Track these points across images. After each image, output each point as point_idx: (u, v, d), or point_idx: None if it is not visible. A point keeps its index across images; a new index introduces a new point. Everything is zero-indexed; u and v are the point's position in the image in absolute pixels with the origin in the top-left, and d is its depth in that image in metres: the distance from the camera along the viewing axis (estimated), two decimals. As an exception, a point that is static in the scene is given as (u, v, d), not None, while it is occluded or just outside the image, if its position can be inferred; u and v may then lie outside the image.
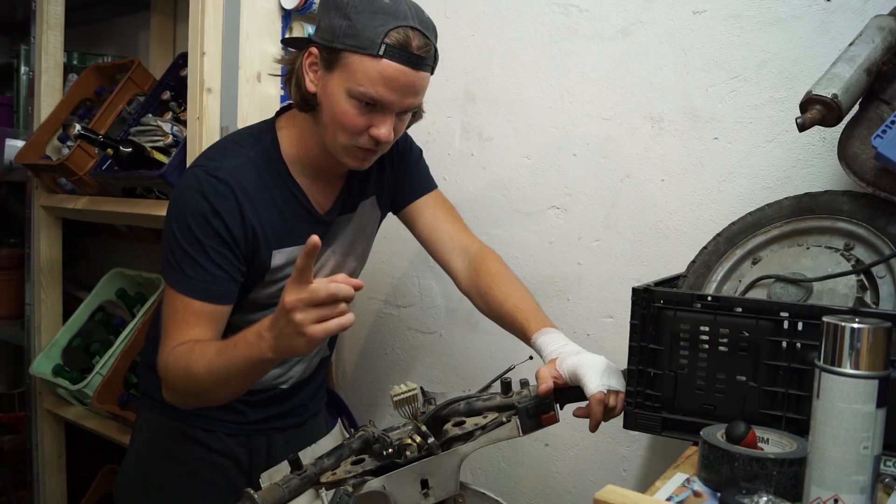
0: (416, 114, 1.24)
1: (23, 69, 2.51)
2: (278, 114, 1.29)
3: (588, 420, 1.08)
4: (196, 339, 1.13)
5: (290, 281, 0.95)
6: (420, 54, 1.11)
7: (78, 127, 1.83)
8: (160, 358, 1.16)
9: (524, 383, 1.12)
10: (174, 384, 1.15)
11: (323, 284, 0.93)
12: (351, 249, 1.36)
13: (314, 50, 1.14)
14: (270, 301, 1.26)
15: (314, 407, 1.50)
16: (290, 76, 1.20)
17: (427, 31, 1.12)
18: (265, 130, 1.26)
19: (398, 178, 1.39)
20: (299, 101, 1.19)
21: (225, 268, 1.16)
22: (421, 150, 1.44)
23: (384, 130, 1.15)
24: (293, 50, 1.23)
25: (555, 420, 1.08)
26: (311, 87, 1.16)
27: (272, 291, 1.26)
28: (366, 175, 1.33)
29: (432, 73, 1.16)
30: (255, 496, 0.90)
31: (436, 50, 1.15)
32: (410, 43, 1.09)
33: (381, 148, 1.20)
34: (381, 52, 1.08)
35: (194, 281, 1.15)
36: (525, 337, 1.22)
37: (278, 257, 1.23)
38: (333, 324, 0.95)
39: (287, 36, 1.73)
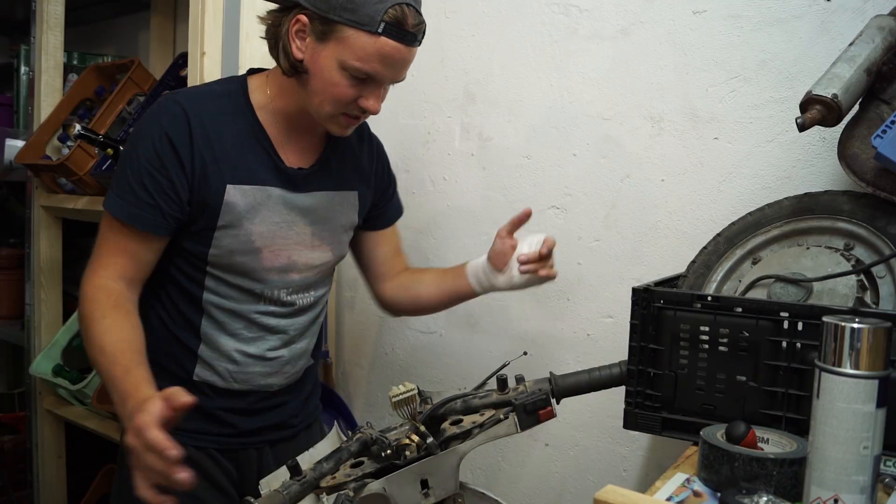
0: None
1: (23, 69, 2.51)
2: (251, 72, 1.30)
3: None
4: (118, 294, 1.16)
5: (149, 404, 0.93)
6: (414, 32, 1.14)
7: (78, 127, 1.83)
8: (88, 277, 1.18)
9: (520, 379, 1.11)
10: (80, 311, 1.17)
11: (166, 446, 0.89)
12: (324, 228, 1.32)
13: (303, 18, 1.14)
14: (235, 269, 1.24)
15: (306, 418, 1.45)
16: (275, 40, 1.19)
17: (419, 6, 1.15)
18: (235, 79, 1.29)
19: (374, 203, 1.42)
20: (287, 67, 1.19)
21: (154, 195, 1.17)
22: (396, 180, 1.47)
23: (373, 102, 1.18)
24: (274, 6, 1.20)
25: (552, 415, 1.08)
26: (297, 53, 1.16)
27: (230, 244, 1.22)
28: (353, 167, 1.35)
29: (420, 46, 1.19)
30: None
31: (425, 25, 1.17)
32: (407, 20, 1.11)
33: (365, 116, 1.22)
34: (380, 30, 1.10)
35: (121, 202, 1.18)
36: (456, 283, 1.34)
37: (233, 193, 1.20)
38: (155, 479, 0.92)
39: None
